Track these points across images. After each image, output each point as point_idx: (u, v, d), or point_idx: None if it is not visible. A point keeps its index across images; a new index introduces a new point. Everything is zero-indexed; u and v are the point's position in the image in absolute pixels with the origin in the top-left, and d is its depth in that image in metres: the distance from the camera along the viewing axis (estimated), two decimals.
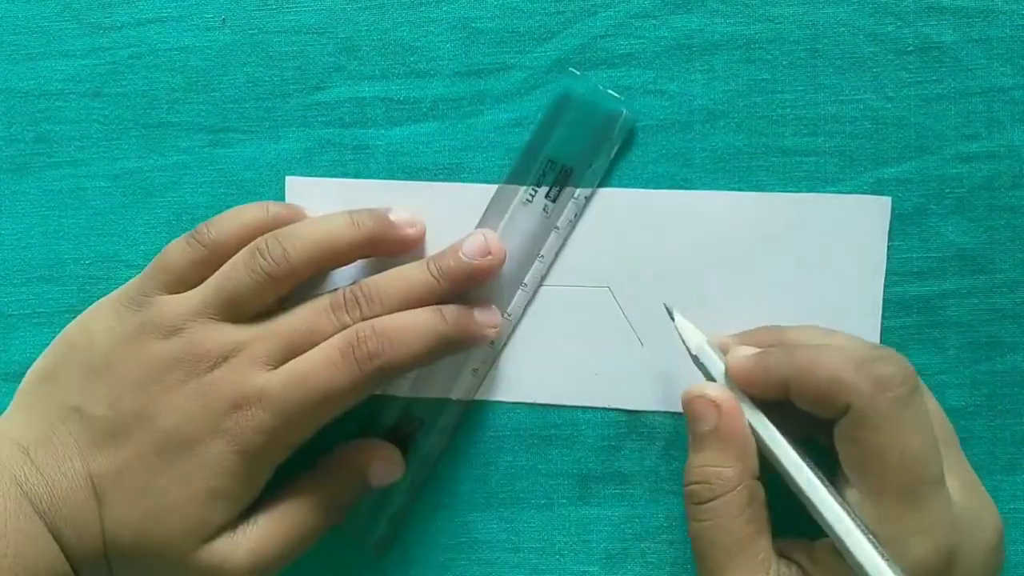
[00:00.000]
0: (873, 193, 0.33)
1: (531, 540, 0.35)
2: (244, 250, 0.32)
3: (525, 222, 0.34)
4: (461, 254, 0.32)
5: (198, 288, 0.32)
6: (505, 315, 0.34)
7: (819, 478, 0.28)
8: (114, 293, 0.33)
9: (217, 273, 0.32)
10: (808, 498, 0.28)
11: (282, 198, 0.35)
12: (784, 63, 0.34)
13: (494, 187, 0.34)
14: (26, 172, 0.36)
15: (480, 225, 0.34)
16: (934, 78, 0.33)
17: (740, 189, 0.34)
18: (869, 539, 0.27)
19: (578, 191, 0.34)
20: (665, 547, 0.35)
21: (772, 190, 0.34)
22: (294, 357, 0.31)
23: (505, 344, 0.35)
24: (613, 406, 0.35)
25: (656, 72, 0.34)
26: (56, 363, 0.32)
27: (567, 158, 0.34)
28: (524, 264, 0.34)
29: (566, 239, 0.34)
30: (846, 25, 0.33)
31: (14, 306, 0.36)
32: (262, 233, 0.32)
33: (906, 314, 0.34)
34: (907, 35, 0.33)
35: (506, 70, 0.34)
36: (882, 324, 0.34)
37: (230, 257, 0.32)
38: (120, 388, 0.31)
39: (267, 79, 0.35)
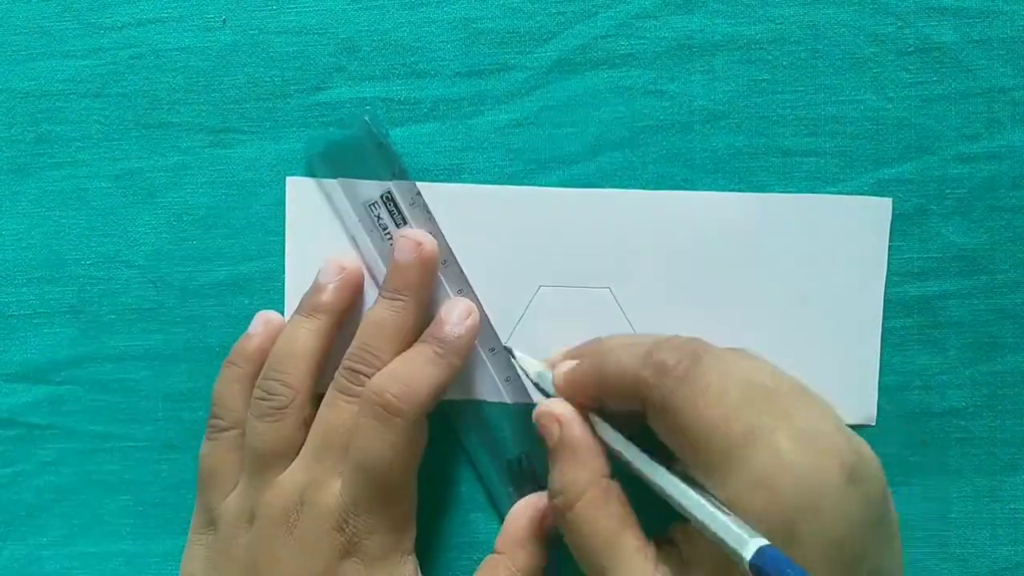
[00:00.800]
0: (874, 193, 0.34)
1: None
2: (251, 408, 0.33)
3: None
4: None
5: (243, 470, 0.33)
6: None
7: (658, 463, 0.29)
8: (190, 532, 0.34)
9: (245, 443, 0.33)
10: (651, 480, 0.29)
11: (283, 198, 0.35)
12: (785, 64, 0.34)
13: (494, 187, 0.34)
14: (27, 172, 0.36)
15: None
16: (935, 79, 0.33)
17: (740, 190, 0.34)
18: (710, 501, 0.27)
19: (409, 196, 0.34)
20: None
21: (772, 191, 0.34)
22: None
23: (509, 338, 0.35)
24: None
25: (656, 72, 0.34)
26: None
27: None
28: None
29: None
30: (847, 26, 0.33)
31: (15, 306, 0.36)
32: (254, 383, 0.33)
33: (907, 314, 0.34)
34: (908, 36, 0.33)
35: (507, 71, 0.34)
36: (883, 325, 0.34)
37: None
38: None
39: (268, 79, 0.35)
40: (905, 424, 0.34)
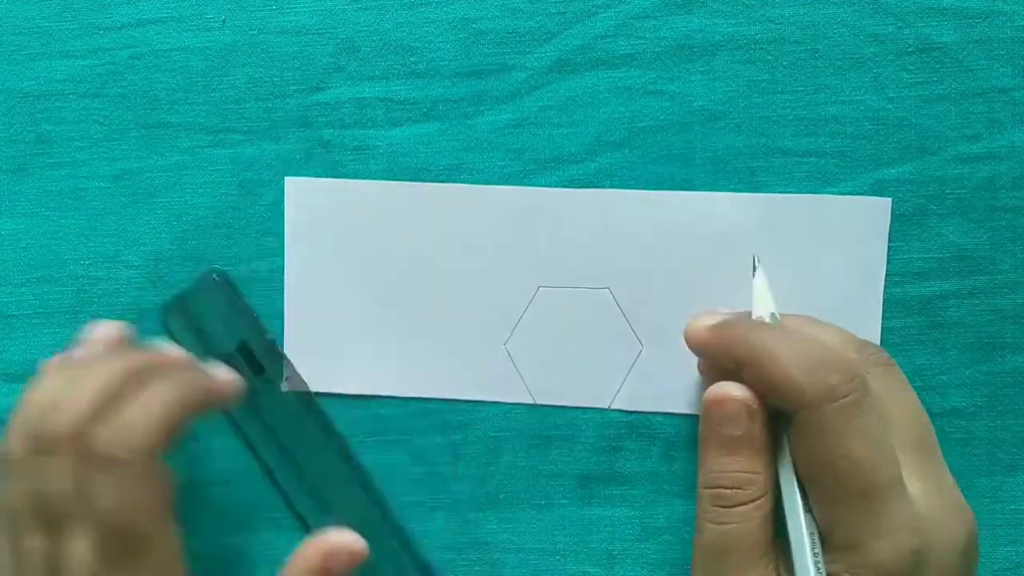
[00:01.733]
0: (873, 194, 0.33)
1: (532, 540, 0.35)
2: None
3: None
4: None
5: None
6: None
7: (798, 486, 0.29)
8: None
9: None
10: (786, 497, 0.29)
11: (282, 198, 0.35)
12: (784, 64, 0.34)
13: (494, 188, 0.34)
14: (26, 172, 0.36)
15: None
16: (935, 79, 0.33)
17: (740, 190, 0.34)
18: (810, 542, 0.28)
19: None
20: (666, 547, 0.35)
21: (772, 191, 0.34)
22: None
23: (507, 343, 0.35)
24: (613, 406, 0.35)
25: (656, 73, 0.34)
26: None
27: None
28: None
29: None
30: (846, 26, 0.33)
31: (14, 306, 0.36)
32: None
33: (907, 315, 0.34)
34: (907, 36, 0.33)
35: (506, 71, 0.34)
36: (883, 325, 0.34)
37: None
38: None
39: (267, 80, 0.35)
40: None
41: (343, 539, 0.32)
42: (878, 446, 0.27)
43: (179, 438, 0.30)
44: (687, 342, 0.31)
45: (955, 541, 0.28)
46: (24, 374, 0.36)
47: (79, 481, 0.28)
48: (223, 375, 0.33)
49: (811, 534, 0.28)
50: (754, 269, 0.32)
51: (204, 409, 0.32)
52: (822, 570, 0.27)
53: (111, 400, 0.29)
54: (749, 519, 0.28)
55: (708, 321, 0.31)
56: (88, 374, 0.30)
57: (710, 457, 0.29)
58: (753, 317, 0.31)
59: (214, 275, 0.34)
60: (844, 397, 0.27)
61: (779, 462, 0.29)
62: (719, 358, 0.30)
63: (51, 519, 0.28)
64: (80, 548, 0.28)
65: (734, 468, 0.29)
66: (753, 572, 0.28)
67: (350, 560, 0.32)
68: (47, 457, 0.28)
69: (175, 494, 0.30)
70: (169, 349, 0.33)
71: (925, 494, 0.28)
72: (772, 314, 0.31)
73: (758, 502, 0.28)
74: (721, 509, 0.29)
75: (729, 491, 0.28)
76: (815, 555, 0.27)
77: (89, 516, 0.28)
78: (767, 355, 0.28)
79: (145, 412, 0.29)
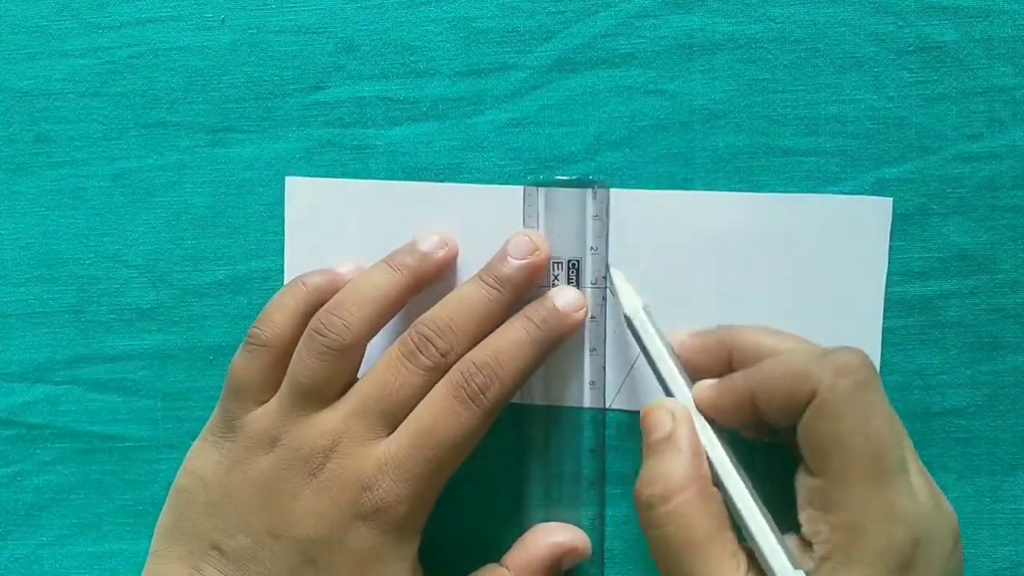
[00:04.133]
0: (874, 193, 0.33)
1: None
2: (303, 337, 0.32)
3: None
4: (511, 258, 0.32)
5: (278, 392, 0.32)
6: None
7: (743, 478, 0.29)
8: (203, 431, 0.33)
9: (288, 370, 0.32)
10: (727, 490, 0.29)
11: (282, 197, 0.35)
12: (785, 63, 0.34)
13: (494, 188, 0.34)
14: (26, 172, 0.36)
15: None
16: (935, 78, 0.33)
17: (741, 189, 0.34)
18: (771, 524, 0.28)
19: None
20: None
21: (773, 190, 0.34)
22: (395, 420, 0.31)
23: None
24: (613, 406, 0.35)
25: (656, 72, 0.34)
26: (178, 513, 0.32)
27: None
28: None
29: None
30: (847, 25, 0.33)
31: (13, 306, 0.36)
32: (310, 312, 0.32)
33: (907, 314, 0.34)
34: (908, 35, 0.33)
35: (506, 70, 0.34)
36: (883, 324, 0.34)
37: (292, 348, 0.32)
38: (247, 513, 0.31)
39: (267, 79, 0.35)
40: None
41: (574, 537, 0.33)
42: (891, 426, 0.27)
43: None
44: (701, 408, 0.30)
45: (947, 538, 0.28)
46: (24, 373, 0.36)
47: (438, 396, 0.31)
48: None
49: (766, 517, 0.28)
50: (607, 269, 0.33)
51: (555, 347, 0.33)
52: (788, 547, 0.28)
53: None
54: (682, 514, 0.28)
55: (708, 383, 0.31)
56: (481, 316, 0.32)
57: (642, 469, 0.30)
58: (625, 313, 0.32)
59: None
60: (859, 371, 0.27)
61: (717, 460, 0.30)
62: (730, 407, 0.30)
63: (366, 410, 0.31)
64: (375, 446, 0.31)
65: (652, 470, 0.29)
66: (705, 560, 0.28)
67: (576, 559, 0.33)
68: (408, 361, 0.31)
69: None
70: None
71: (923, 488, 0.28)
72: (644, 307, 0.32)
73: (685, 495, 0.28)
74: (653, 513, 0.29)
75: (652, 494, 0.29)
76: (776, 534, 0.28)
77: (422, 428, 0.30)
78: (776, 369, 0.29)
79: (519, 365, 0.31)
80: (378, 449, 0.30)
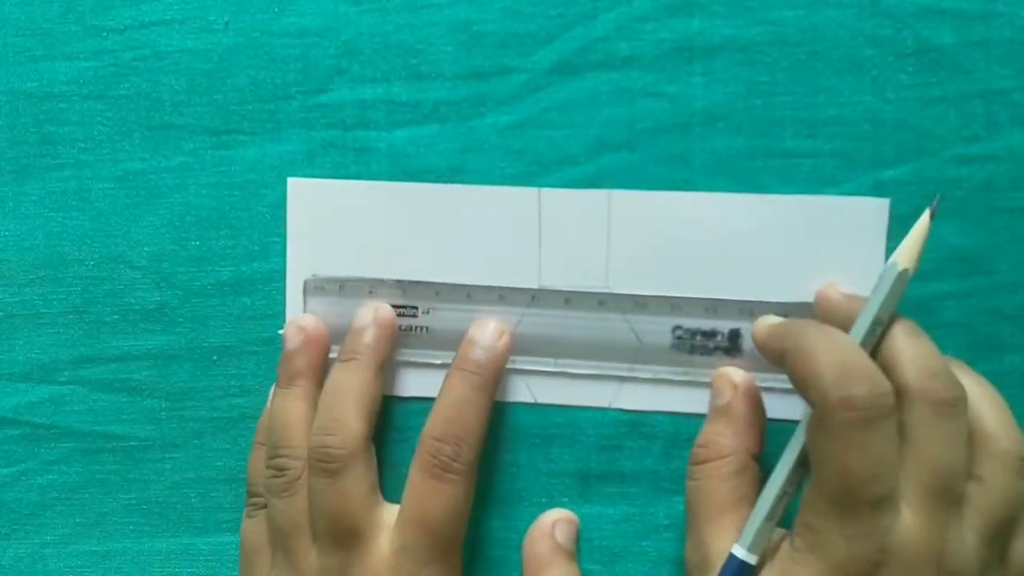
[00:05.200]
0: (872, 195, 0.34)
1: None
2: (266, 490, 0.33)
3: None
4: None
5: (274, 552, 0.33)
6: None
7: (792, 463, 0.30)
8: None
9: (270, 527, 0.33)
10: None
11: (284, 199, 0.35)
12: (784, 65, 0.34)
13: (496, 189, 0.35)
14: (30, 173, 0.36)
15: None
16: (933, 80, 0.33)
17: (740, 191, 0.34)
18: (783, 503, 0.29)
19: None
20: (666, 545, 0.35)
21: (772, 192, 0.34)
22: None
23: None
24: (613, 406, 0.35)
25: (656, 74, 0.34)
26: None
27: None
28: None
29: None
30: (846, 28, 0.33)
31: (17, 307, 0.37)
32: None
33: (905, 315, 0.34)
34: (906, 37, 0.33)
35: (507, 73, 0.34)
36: None
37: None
38: None
39: (270, 81, 0.35)
40: None
41: (562, 512, 0.35)
42: (877, 465, 0.26)
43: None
44: (753, 338, 0.32)
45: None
46: (28, 373, 0.36)
47: (416, 481, 0.32)
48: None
49: (781, 496, 0.29)
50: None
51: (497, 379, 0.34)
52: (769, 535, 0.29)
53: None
54: (711, 476, 0.31)
55: (771, 321, 0.32)
56: (355, 393, 0.32)
57: (703, 428, 0.33)
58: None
59: None
60: (862, 410, 0.26)
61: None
62: (772, 353, 0.31)
63: (341, 533, 0.31)
64: (373, 556, 0.31)
65: (709, 431, 0.32)
66: (715, 524, 0.30)
67: (573, 528, 0.35)
68: (320, 474, 0.31)
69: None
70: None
71: (914, 524, 0.27)
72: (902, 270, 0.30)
73: (721, 461, 0.31)
74: (691, 466, 0.32)
75: (699, 449, 0.32)
76: (767, 518, 0.29)
77: (413, 518, 0.31)
78: (807, 350, 0.28)
79: (476, 419, 0.33)
80: (310, 558, 0.31)
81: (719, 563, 0.29)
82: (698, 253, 0.34)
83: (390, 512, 0.32)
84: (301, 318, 0.35)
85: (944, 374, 0.28)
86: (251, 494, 0.35)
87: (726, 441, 0.31)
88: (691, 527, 0.31)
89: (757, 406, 0.32)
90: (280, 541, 0.32)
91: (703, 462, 0.31)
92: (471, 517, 0.35)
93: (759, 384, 0.33)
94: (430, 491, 0.31)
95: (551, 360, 0.35)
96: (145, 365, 0.36)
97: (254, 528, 0.34)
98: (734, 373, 0.33)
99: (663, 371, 0.34)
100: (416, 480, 0.31)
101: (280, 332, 0.35)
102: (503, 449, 0.35)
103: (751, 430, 0.31)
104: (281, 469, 0.32)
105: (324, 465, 0.31)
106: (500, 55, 0.34)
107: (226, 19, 0.35)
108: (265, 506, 0.34)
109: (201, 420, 0.36)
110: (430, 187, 0.35)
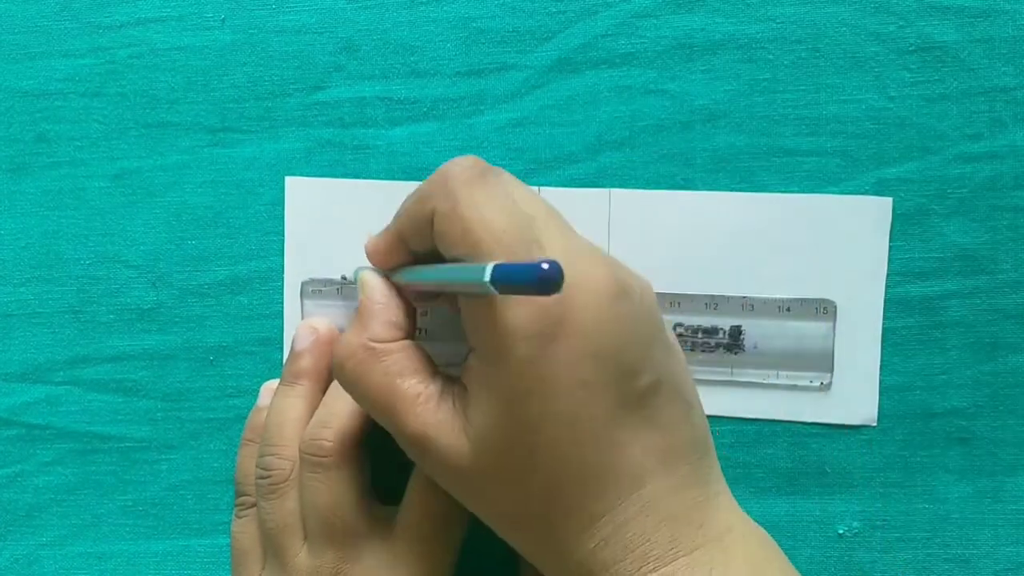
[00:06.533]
0: (875, 193, 0.33)
1: None
2: (256, 490, 0.33)
3: None
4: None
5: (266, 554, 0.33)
6: None
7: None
8: None
9: (260, 529, 0.33)
10: (436, 280, 0.29)
11: (282, 198, 0.35)
12: (786, 63, 0.34)
13: None
14: (26, 172, 0.36)
15: None
16: (936, 78, 0.33)
17: (741, 189, 0.34)
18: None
19: None
20: None
21: (773, 190, 0.34)
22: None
23: None
24: None
25: (657, 72, 0.34)
26: None
27: None
28: None
29: None
30: (848, 25, 0.33)
31: (14, 306, 0.36)
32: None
33: (908, 315, 0.34)
34: (909, 35, 0.33)
35: (506, 70, 0.34)
36: (883, 324, 0.34)
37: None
38: None
39: (267, 79, 0.35)
40: (905, 424, 0.34)
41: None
42: (509, 213, 0.27)
43: None
44: (368, 254, 0.31)
45: (598, 289, 0.26)
46: (24, 374, 0.36)
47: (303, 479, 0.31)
48: None
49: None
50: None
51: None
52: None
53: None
54: (351, 385, 0.29)
55: (366, 240, 0.32)
56: (295, 419, 0.33)
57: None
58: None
59: None
60: (468, 170, 0.27)
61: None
62: (392, 258, 0.31)
63: (333, 532, 0.31)
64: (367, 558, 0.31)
65: (340, 339, 0.31)
66: (397, 413, 0.28)
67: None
68: (266, 499, 0.32)
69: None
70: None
71: (564, 256, 0.26)
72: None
73: (349, 362, 0.29)
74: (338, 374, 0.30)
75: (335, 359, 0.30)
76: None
77: (309, 516, 0.31)
78: (399, 215, 0.30)
79: (343, 411, 0.32)
80: (300, 558, 0.31)
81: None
82: (699, 252, 0.34)
83: (383, 513, 0.32)
84: (315, 320, 0.35)
85: None
86: (239, 493, 0.34)
87: (355, 338, 0.29)
88: (386, 427, 0.29)
89: (391, 293, 0.31)
90: (270, 542, 0.32)
91: (340, 368, 0.30)
92: (470, 517, 0.35)
93: (761, 382, 0.33)
94: (312, 487, 0.31)
95: None
96: (141, 365, 0.36)
97: (243, 529, 0.34)
98: (304, 323, 0.34)
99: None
100: (302, 485, 0.32)
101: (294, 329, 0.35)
102: None
103: (383, 317, 0.30)
104: (269, 469, 0.32)
105: (316, 459, 0.31)
106: (500, 52, 0.34)
107: (223, 16, 0.35)
108: (254, 505, 0.33)
109: (197, 421, 0.36)
110: None
